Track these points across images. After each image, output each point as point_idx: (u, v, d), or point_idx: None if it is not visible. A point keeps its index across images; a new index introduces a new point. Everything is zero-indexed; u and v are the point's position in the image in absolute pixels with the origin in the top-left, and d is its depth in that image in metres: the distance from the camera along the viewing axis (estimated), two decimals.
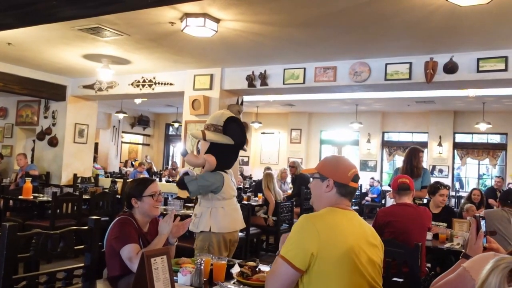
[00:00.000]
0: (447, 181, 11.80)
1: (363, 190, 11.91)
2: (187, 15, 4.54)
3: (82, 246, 2.44)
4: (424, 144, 12.04)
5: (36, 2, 2.39)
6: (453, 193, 11.29)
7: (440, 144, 12.11)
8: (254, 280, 2.35)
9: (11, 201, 6.48)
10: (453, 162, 12.29)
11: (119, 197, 6.79)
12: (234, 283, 2.34)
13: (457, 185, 12.50)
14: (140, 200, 2.61)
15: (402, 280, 2.24)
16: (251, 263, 2.55)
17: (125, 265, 2.43)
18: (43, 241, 2.21)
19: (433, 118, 12.28)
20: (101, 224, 2.57)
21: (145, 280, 1.99)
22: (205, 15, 4.52)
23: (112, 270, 2.51)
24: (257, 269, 2.48)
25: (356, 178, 2.02)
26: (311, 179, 2.13)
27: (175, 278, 2.25)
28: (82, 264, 2.43)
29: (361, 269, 1.86)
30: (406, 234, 3.60)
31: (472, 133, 12.21)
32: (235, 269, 2.53)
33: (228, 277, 2.43)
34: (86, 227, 2.47)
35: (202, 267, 2.29)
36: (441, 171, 12.00)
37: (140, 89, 7.87)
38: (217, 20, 4.67)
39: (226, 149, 3.42)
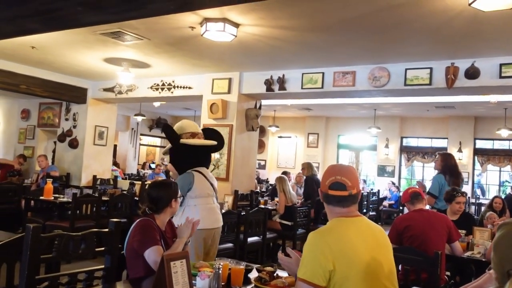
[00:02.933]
0: (467, 188, 11.60)
1: (380, 196, 11.78)
2: (207, 19, 4.57)
3: (103, 248, 2.48)
4: (444, 150, 11.85)
5: (61, 8, 2.44)
6: (473, 200, 11.09)
7: (460, 150, 11.91)
8: (272, 285, 2.35)
9: (32, 202, 6.61)
10: (473, 169, 12.08)
11: (137, 199, 6.87)
12: None
13: (478, 192, 12.27)
14: (176, 201, 2.81)
15: None
16: (269, 268, 2.55)
17: (148, 266, 2.47)
18: (65, 243, 2.25)
19: (453, 123, 12.09)
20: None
21: (165, 283, 2.01)
22: (224, 20, 4.55)
23: (135, 272, 2.55)
24: (275, 274, 2.48)
25: (334, 185, 1.99)
26: None
27: (193, 282, 2.27)
28: (102, 266, 2.47)
29: (382, 280, 1.88)
30: (424, 236, 3.63)
31: (493, 139, 11.99)
32: (253, 274, 2.54)
33: (246, 282, 2.44)
34: (106, 229, 2.50)
35: (220, 271, 2.30)
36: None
37: (159, 92, 7.95)
38: (236, 25, 4.70)
39: (175, 153, 3.76)
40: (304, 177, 8.19)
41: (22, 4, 2.42)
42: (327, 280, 1.80)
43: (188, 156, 3.74)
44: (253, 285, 2.39)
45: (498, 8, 3.46)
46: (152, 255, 2.46)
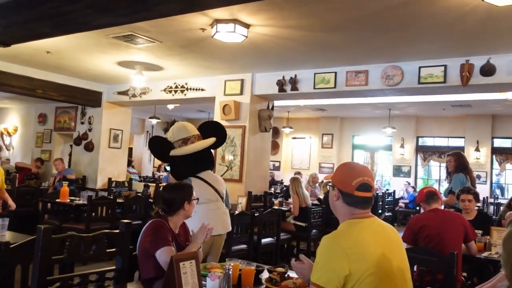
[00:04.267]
0: (485, 188, 11.41)
1: (396, 196, 11.65)
2: (217, 21, 4.58)
3: (114, 249, 2.49)
4: (461, 149, 11.66)
5: (70, 11, 2.47)
6: (491, 200, 10.89)
7: (477, 149, 11.71)
8: (282, 286, 2.33)
9: (49, 204, 6.71)
10: (491, 168, 11.86)
11: (152, 201, 6.91)
12: None
13: (498, 191, 12.05)
14: (189, 204, 2.77)
15: None
16: (280, 269, 2.54)
17: (159, 267, 2.47)
18: (76, 244, 2.27)
19: (470, 122, 11.90)
20: (134, 227, 2.63)
21: (174, 284, 2.01)
22: (235, 20, 4.55)
23: (146, 273, 2.55)
24: (286, 275, 2.46)
25: (362, 187, 1.92)
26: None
27: (203, 282, 2.26)
28: (114, 267, 2.48)
29: (395, 279, 1.84)
30: (440, 236, 3.59)
31: None
32: (265, 275, 2.52)
33: (257, 282, 2.42)
34: (117, 231, 2.51)
35: (230, 272, 2.29)
36: (478, 177, 11.56)
37: (173, 95, 7.99)
38: (247, 26, 4.69)
39: (171, 165, 3.70)
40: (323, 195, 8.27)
41: (32, 8, 2.46)
42: (341, 285, 1.75)
43: (185, 165, 3.60)
44: (264, 286, 2.37)
45: None
46: (163, 255, 2.46)
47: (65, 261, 2.26)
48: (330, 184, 2.03)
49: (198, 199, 2.86)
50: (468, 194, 4.39)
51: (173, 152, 3.58)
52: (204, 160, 3.72)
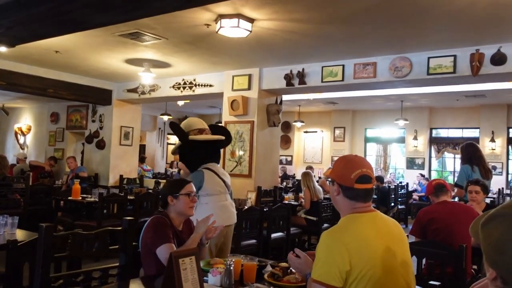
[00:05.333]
0: (501, 179, 11.22)
1: (410, 189, 11.52)
2: (221, 16, 4.57)
3: (117, 246, 2.51)
4: (475, 140, 11.43)
5: (69, 11, 2.49)
6: (507, 191, 10.70)
7: (492, 140, 11.51)
8: (284, 281, 2.32)
9: (62, 202, 6.80)
10: (507, 159, 11.65)
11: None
12: (264, 284, 2.32)
13: None
14: (176, 198, 2.69)
15: (439, 283, 2.14)
16: (284, 264, 2.52)
17: (160, 263, 2.47)
18: (78, 241, 2.29)
19: (485, 112, 11.68)
20: (142, 224, 2.65)
21: (174, 280, 2.01)
22: (239, 15, 4.53)
23: (148, 269, 2.56)
24: (288, 270, 2.45)
25: (362, 179, 1.88)
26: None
27: (205, 278, 2.26)
28: (117, 264, 2.50)
29: (397, 273, 1.82)
30: (449, 229, 3.54)
31: None
32: (268, 270, 2.51)
33: (260, 278, 2.41)
34: (120, 228, 2.53)
35: (232, 267, 2.28)
36: (494, 168, 11.38)
37: (181, 91, 8.01)
38: (251, 20, 4.67)
39: (185, 151, 3.77)
40: None
41: (32, 8, 2.48)
42: (343, 280, 1.73)
43: (198, 152, 3.75)
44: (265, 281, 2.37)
45: None
46: (163, 252, 2.46)
47: (67, 258, 2.28)
48: (329, 179, 2.00)
49: (188, 194, 2.76)
50: (475, 186, 4.29)
51: (192, 137, 3.72)
52: (216, 152, 3.95)
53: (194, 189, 2.85)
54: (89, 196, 6.64)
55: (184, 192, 2.71)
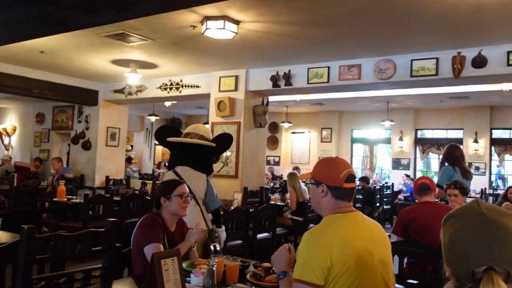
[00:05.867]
0: (484, 179, 11.40)
1: (395, 189, 11.65)
2: (207, 18, 4.59)
3: (99, 248, 2.52)
4: (459, 141, 11.64)
5: (53, 12, 2.49)
6: (490, 191, 10.89)
7: (476, 141, 11.70)
8: (266, 281, 2.35)
9: (47, 203, 6.74)
10: (490, 159, 11.85)
11: (149, 198, 6.94)
12: (247, 284, 2.35)
13: (499, 182, 12.04)
14: (168, 200, 2.72)
15: (417, 282, 2.20)
16: (266, 264, 2.55)
17: (148, 263, 2.49)
18: (60, 243, 2.29)
19: (468, 114, 11.87)
20: (130, 225, 2.67)
21: (156, 281, 2.03)
22: (224, 17, 4.55)
23: (136, 269, 2.58)
24: (271, 270, 2.48)
25: (350, 178, 1.96)
26: (309, 185, 2.09)
27: (188, 279, 2.28)
28: (100, 265, 2.51)
29: (376, 272, 1.86)
30: (430, 229, 3.58)
31: (510, 129, 11.73)
32: (251, 270, 2.54)
33: (242, 278, 2.44)
34: (102, 229, 2.54)
35: (214, 268, 2.31)
36: (477, 168, 11.59)
37: (168, 92, 8.01)
38: (237, 22, 4.70)
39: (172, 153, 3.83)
40: None
41: (15, 9, 2.47)
42: (325, 278, 1.77)
43: (174, 154, 3.81)
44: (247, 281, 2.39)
45: None
46: (150, 252, 2.47)
47: (49, 260, 2.28)
48: (312, 182, 2.02)
49: (181, 195, 2.78)
50: (453, 189, 4.33)
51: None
52: (195, 156, 3.71)
53: (187, 190, 2.86)
54: (75, 197, 6.60)
55: (176, 193, 2.74)
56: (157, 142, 4.44)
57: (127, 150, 12.18)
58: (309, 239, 1.84)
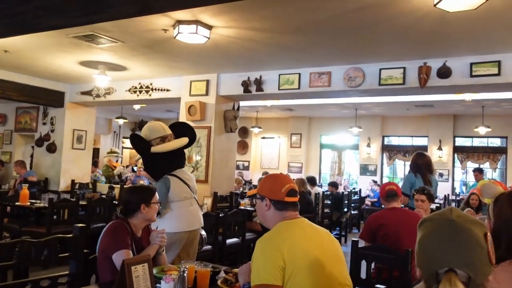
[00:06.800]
0: (447, 185, 11.78)
1: (363, 195, 11.88)
2: (180, 22, 4.57)
3: (67, 254, 2.46)
4: (424, 148, 12.01)
5: (22, 12, 2.42)
6: (453, 197, 11.25)
7: (440, 148, 12.08)
8: (237, 287, 2.35)
9: (8, 208, 6.51)
10: (453, 166, 12.26)
11: (116, 203, 6.81)
12: None
13: (464, 188, 12.45)
14: (148, 207, 2.75)
15: (384, 286, 2.26)
16: (237, 270, 2.55)
17: (116, 270, 2.45)
18: (26, 249, 2.23)
19: (433, 122, 12.26)
20: (97, 230, 2.61)
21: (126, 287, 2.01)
22: (197, 22, 4.54)
23: (104, 276, 2.54)
24: None
25: (291, 192, 2.11)
26: (256, 200, 2.25)
27: (158, 285, 2.26)
28: (67, 272, 2.45)
29: (328, 268, 1.96)
30: (398, 235, 3.68)
31: (472, 137, 12.18)
32: (222, 276, 2.54)
33: (213, 284, 2.43)
34: (70, 235, 2.48)
35: (185, 274, 2.29)
36: (441, 175, 11.96)
37: (137, 95, 7.90)
38: (209, 27, 4.70)
39: (148, 161, 3.74)
40: None
41: None
42: (282, 277, 1.85)
43: (162, 162, 3.70)
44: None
45: (462, 8, 3.52)
46: (119, 259, 2.44)
47: (13, 267, 2.21)
48: (258, 197, 2.17)
49: (160, 203, 2.86)
50: (421, 195, 4.48)
51: (154, 149, 3.66)
52: (181, 157, 3.87)
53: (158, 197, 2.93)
54: (38, 201, 6.40)
55: (154, 201, 2.80)
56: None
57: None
58: (261, 245, 1.95)
